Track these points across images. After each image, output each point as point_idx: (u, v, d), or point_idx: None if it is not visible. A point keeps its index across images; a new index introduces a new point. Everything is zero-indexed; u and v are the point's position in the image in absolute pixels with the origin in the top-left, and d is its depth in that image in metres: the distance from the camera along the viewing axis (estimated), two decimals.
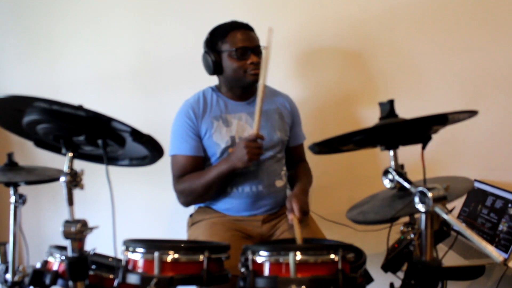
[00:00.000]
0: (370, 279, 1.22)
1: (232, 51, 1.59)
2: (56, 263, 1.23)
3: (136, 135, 1.04)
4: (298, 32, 2.03)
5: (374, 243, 1.46)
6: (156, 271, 1.09)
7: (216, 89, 1.72)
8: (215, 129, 1.63)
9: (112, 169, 1.11)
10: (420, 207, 0.96)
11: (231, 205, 1.65)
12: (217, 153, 1.63)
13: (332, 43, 2.05)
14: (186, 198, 1.64)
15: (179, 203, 1.66)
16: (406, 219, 1.14)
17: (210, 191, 1.61)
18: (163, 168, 1.60)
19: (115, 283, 1.14)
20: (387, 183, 1.10)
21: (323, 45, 2.05)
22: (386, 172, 1.09)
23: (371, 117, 1.13)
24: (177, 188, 1.64)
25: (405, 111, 1.10)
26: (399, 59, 2.05)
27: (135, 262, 1.13)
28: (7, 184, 1.33)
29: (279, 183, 1.69)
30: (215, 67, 1.62)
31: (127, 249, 1.15)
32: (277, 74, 1.95)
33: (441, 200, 0.94)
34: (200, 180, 1.58)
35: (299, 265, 1.06)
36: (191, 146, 1.63)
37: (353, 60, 2.07)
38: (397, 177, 1.07)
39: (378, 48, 2.05)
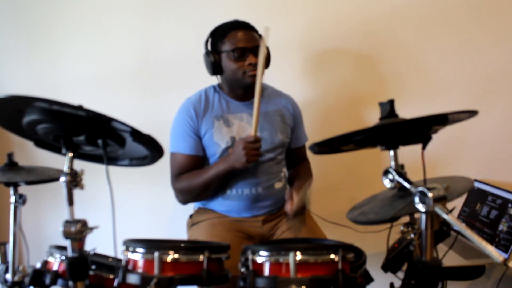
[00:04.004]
0: (370, 279, 1.22)
1: (230, 51, 1.57)
2: (56, 263, 1.23)
3: (136, 135, 1.04)
4: (303, 33, 2.02)
5: (374, 243, 1.46)
6: (156, 271, 1.09)
7: (219, 88, 1.71)
8: (215, 129, 1.62)
9: (112, 169, 1.11)
10: (420, 207, 0.96)
11: (230, 207, 1.64)
12: (217, 153, 1.62)
13: (337, 44, 2.05)
14: (184, 197, 1.65)
15: (177, 201, 1.67)
16: (406, 219, 1.14)
17: (208, 190, 1.61)
18: (163, 168, 1.60)
19: (115, 283, 1.14)
20: (387, 183, 1.09)
21: (329, 46, 2.05)
22: (386, 172, 1.09)
23: (377, 118, 1.12)
24: (175, 186, 1.64)
25: (411, 111, 1.09)
26: (404, 60, 2.05)
27: (135, 262, 1.13)
28: (7, 184, 1.33)
29: (278, 185, 1.68)
30: (214, 68, 1.61)
31: (127, 249, 1.15)
32: (282, 75, 1.95)
33: (441, 200, 0.94)
34: (198, 179, 1.58)
35: (299, 265, 1.06)
36: (190, 145, 1.63)
37: (359, 61, 2.07)
38: (397, 177, 1.06)
39: (384, 49, 2.04)
